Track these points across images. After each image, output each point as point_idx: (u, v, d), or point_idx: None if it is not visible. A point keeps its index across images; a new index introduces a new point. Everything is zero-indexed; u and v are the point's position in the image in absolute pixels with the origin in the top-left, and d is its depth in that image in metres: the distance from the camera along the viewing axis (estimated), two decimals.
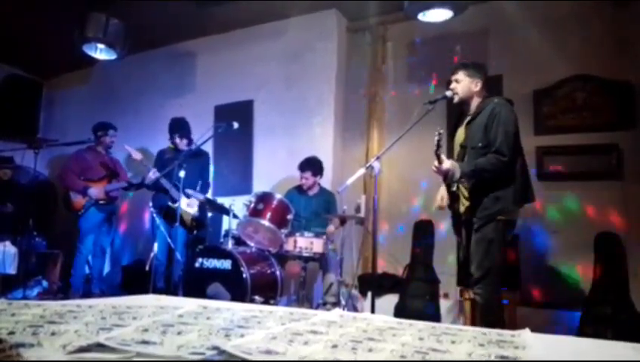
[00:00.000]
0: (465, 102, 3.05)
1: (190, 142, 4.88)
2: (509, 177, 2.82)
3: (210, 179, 5.33)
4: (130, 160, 5.02)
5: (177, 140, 4.85)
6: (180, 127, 4.88)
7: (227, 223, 4.60)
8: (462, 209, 3.00)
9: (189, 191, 4.46)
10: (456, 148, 3.08)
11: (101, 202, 5.03)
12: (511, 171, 2.83)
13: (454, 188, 3.04)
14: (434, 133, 2.73)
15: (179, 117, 4.98)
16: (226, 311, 1.33)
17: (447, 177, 2.90)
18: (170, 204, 4.49)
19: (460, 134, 3.08)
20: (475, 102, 3.02)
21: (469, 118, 3.01)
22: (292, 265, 4.59)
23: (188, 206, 4.58)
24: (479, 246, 2.84)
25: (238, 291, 3.67)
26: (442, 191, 3.16)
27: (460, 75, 3.03)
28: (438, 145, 2.74)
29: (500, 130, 2.81)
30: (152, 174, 4.53)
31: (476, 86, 3.01)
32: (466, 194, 2.95)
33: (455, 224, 3.14)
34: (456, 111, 3.24)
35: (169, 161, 4.50)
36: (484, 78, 3.05)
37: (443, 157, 2.83)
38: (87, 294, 4.88)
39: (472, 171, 2.81)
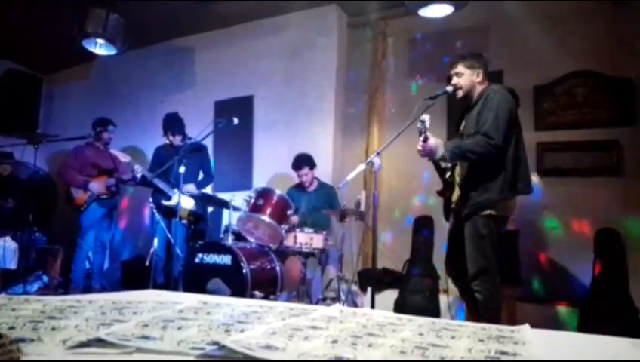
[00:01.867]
0: (468, 95, 3.03)
1: (184, 137, 4.87)
2: (498, 166, 2.77)
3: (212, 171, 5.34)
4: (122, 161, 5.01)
5: (171, 137, 4.85)
6: (173, 124, 4.88)
7: (227, 219, 4.60)
8: (454, 197, 3.00)
9: (186, 186, 4.44)
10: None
11: (103, 197, 5.03)
12: (500, 159, 2.77)
13: (448, 176, 3.03)
14: (433, 130, 2.72)
15: (171, 113, 4.97)
16: (226, 306, 1.33)
17: (430, 155, 2.87)
18: (163, 202, 4.50)
19: (462, 124, 3.07)
20: (477, 92, 2.99)
21: (470, 107, 3.00)
22: (292, 260, 4.60)
23: (185, 200, 4.57)
24: (472, 243, 2.82)
25: (238, 286, 3.68)
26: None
27: (460, 68, 3.00)
28: (420, 133, 2.72)
29: (490, 115, 2.76)
30: (137, 172, 4.54)
31: (478, 76, 2.99)
32: (458, 181, 2.95)
33: (446, 211, 3.13)
34: (460, 105, 3.21)
35: (166, 157, 4.49)
36: (485, 67, 3.02)
37: (429, 136, 2.80)
38: (87, 289, 4.89)
39: (455, 148, 2.78)
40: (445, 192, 3.07)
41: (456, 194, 2.99)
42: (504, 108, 2.78)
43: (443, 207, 3.15)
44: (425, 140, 2.76)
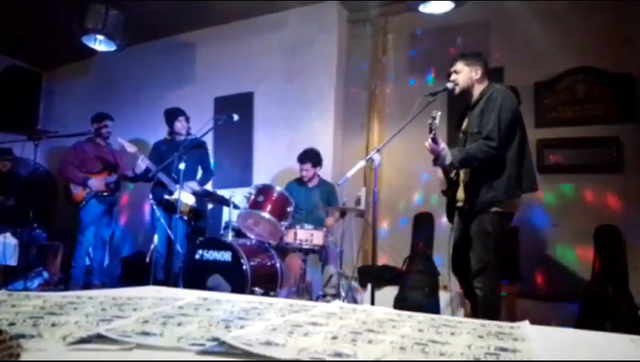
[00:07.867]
0: (467, 92, 3.02)
1: (188, 122, 4.86)
2: (500, 165, 2.78)
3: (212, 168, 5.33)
4: (128, 152, 4.98)
5: (178, 124, 4.79)
6: (175, 113, 4.85)
7: (227, 215, 4.60)
8: (459, 196, 2.99)
9: (187, 183, 4.43)
10: (460, 136, 3.06)
11: (104, 194, 5.03)
12: (502, 159, 2.78)
13: (453, 175, 3.02)
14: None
15: (172, 107, 4.97)
16: (226, 302, 1.33)
17: (437, 159, 2.85)
18: (166, 196, 4.49)
19: (464, 122, 3.06)
20: (477, 90, 2.99)
21: (471, 105, 2.99)
22: (292, 257, 4.60)
23: (185, 197, 4.56)
24: (478, 239, 2.82)
25: (238, 283, 3.68)
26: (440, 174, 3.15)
27: (459, 65, 3.01)
28: (431, 129, 2.70)
29: (493, 116, 2.77)
30: (142, 162, 4.51)
31: (477, 73, 2.98)
32: (463, 179, 2.94)
33: (449, 211, 3.11)
34: (460, 103, 3.20)
35: (165, 152, 4.48)
36: (484, 65, 3.02)
37: (437, 137, 2.77)
38: (87, 286, 4.90)
39: (462, 159, 2.78)
40: (450, 191, 3.06)
41: (460, 192, 2.98)
42: (506, 107, 2.79)
43: (446, 208, 3.13)
44: (434, 140, 2.73)
